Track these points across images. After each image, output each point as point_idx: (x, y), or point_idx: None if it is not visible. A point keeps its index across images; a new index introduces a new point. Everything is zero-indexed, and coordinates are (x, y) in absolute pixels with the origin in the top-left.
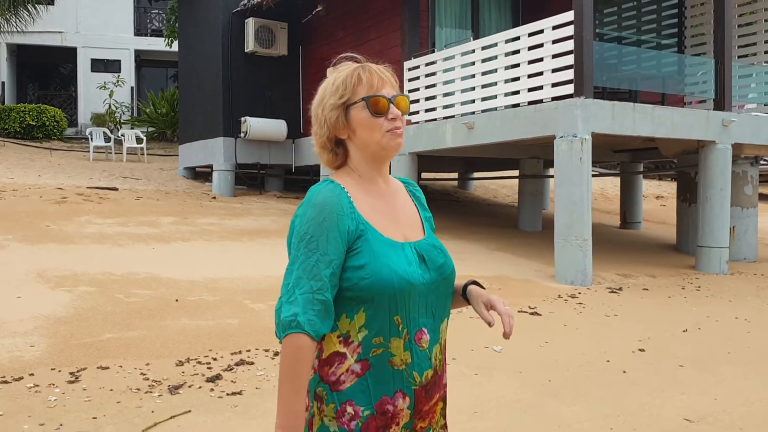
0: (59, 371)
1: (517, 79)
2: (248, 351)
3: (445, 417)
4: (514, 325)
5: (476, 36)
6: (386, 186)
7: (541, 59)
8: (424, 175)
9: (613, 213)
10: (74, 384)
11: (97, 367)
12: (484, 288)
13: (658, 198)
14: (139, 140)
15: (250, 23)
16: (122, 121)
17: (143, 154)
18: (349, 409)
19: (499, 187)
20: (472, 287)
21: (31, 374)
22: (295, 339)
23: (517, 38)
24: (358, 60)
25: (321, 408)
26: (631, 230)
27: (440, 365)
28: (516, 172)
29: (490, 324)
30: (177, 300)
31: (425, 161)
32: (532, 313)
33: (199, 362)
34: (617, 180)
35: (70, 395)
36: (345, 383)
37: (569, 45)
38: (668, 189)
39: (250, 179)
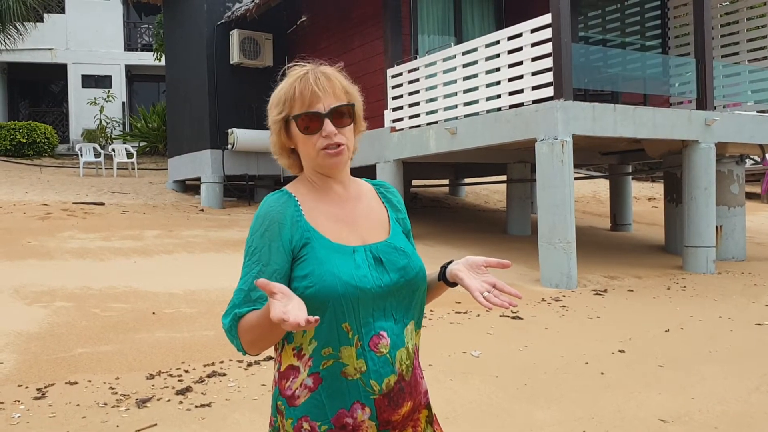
0: (26, 388)
1: (498, 83)
2: (221, 362)
3: (434, 423)
4: (503, 301)
5: (459, 41)
6: (345, 191)
7: (521, 63)
8: (415, 182)
9: (605, 216)
10: (40, 400)
11: (66, 383)
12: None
13: (650, 200)
14: (129, 155)
15: (235, 35)
16: (114, 136)
17: (134, 169)
18: (306, 425)
19: (491, 192)
20: (450, 267)
21: None
22: (236, 337)
23: (497, 42)
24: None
25: (282, 422)
26: (621, 232)
27: (408, 371)
28: (505, 177)
29: (487, 300)
30: (154, 313)
31: (415, 168)
32: (514, 317)
33: (171, 375)
34: None
35: (35, 412)
36: (299, 398)
37: (548, 48)
38: (660, 191)
39: (240, 191)
